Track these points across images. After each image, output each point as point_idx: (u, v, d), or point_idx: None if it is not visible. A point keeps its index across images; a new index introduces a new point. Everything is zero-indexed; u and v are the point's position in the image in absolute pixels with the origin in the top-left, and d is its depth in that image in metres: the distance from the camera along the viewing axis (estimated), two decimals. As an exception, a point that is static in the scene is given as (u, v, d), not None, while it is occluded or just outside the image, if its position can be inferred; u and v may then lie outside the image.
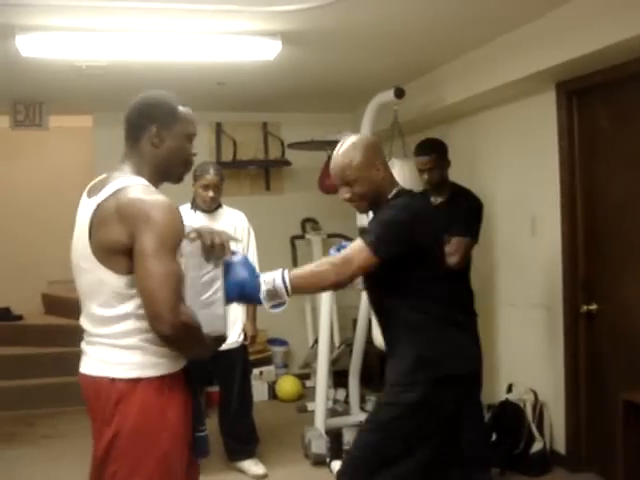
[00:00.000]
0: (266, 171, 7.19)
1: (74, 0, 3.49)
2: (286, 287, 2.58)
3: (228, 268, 2.44)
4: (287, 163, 7.00)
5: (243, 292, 2.51)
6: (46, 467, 4.89)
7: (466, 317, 3.62)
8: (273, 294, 2.57)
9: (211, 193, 4.55)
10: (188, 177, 4.64)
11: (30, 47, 4.09)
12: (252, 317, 4.77)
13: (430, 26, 4.14)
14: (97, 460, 2.27)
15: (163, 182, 2.41)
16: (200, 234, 2.31)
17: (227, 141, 6.98)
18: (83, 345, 2.32)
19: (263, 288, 2.55)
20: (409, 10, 3.84)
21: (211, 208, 4.64)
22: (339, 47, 4.58)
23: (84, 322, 2.31)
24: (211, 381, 5.33)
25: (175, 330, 2.07)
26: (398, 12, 3.87)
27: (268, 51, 4.37)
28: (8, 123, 6.19)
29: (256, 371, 6.39)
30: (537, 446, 4.50)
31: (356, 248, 2.70)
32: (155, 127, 2.32)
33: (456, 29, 4.23)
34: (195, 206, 4.66)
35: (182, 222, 2.21)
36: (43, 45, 4.08)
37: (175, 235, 2.15)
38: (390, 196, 2.90)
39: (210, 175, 4.54)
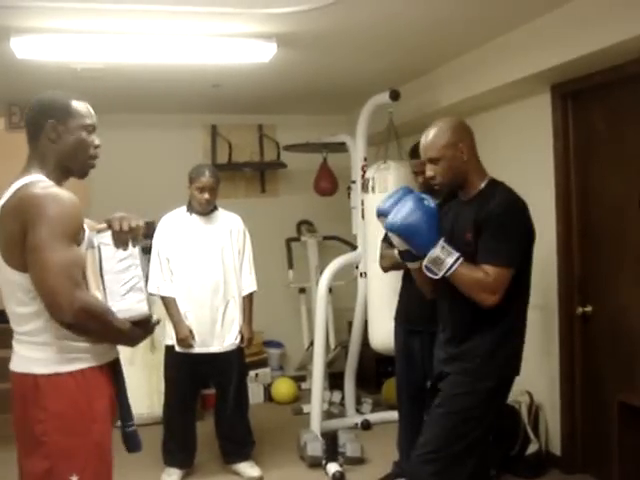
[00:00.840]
0: (261, 173, 7.19)
1: (69, 2, 3.48)
2: (450, 267, 2.81)
3: (426, 210, 2.83)
4: (282, 165, 7.00)
5: (419, 232, 2.83)
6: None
7: None
8: (438, 261, 2.83)
9: (206, 195, 4.55)
10: (181, 179, 4.68)
11: (25, 49, 4.08)
12: (249, 319, 4.76)
13: (425, 29, 4.15)
14: (28, 459, 2.29)
15: (68, 177, 2.43)
16: (109, 222, 2.33)
17: (222, 143, 6.97)
18: (13, 342, 2.36)
19: (439, 247, 2.82)
20: (404, 13, 3.84)
21: (206, 210, 4.64)
22: (334, 49, 4.58)
23: (10, 320, 2.35)
24: (207, 383, 5.32)
25: (74, 317, 2.10)
26: (393, 14, 3.87)
27: (263, 53, 4.37)
28: (3, 125, 6.18)
29: (252, 373, 6.38)
30: (532, 448, 4.50)
31: (498, 272, 2.84)
32: (50, 123, 2.34)
33: (451, 31, 4.24)
34: (190, 209, 4.66)
35: (77, 213, 2.24)
36: (38, 47, 4.08)
37: (67, 225, 2.17)
38: (482, 186, 3.04)
39: (205, 177, 4.54)
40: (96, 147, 2.45)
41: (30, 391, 2.23)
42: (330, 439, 4.87)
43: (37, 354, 2.24)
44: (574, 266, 4.47)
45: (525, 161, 4.79)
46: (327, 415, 5.72)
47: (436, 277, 2.85)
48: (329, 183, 6.54)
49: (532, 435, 4.53)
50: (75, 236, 2.21)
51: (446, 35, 4.32)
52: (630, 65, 3.74)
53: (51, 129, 2.34)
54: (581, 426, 4.47)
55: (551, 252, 4.53)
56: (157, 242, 4.65)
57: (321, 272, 5.61)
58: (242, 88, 5.68)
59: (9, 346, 2.27)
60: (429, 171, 3.05)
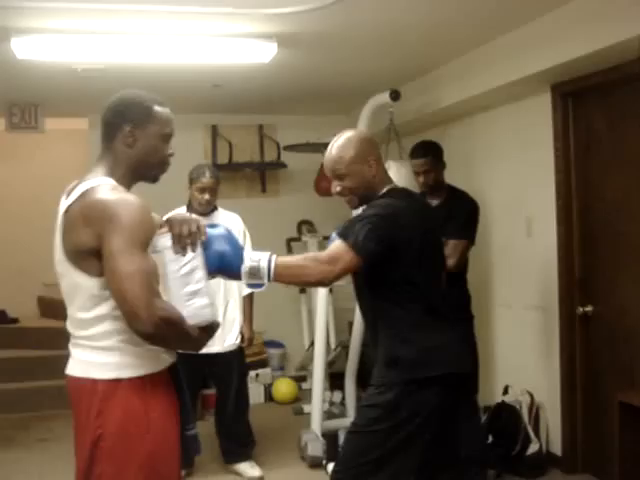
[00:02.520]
0: (262, 173, 7.19)
1: (69, 3, 3.49)
2: (269, 272, 2.56)
3: (209, 240, 2.41)
4: (283, 165, 7.00)
5: (223, 264, 2.47)
6: (42, 470, 4.89)
7: (460, 319, 3.60)
8: (254, 273, 2.55)
9: (207, 196, 4.55)
10: (181, 179, 4.67)
11: (25, 49, 4.09)
12: (249, 319, 4.76)
13: (426, 28, 4.15)
14: (82, 462, 2.25)
15: (137, 182, 2.39)
16: (170, 225, 2.30)
17: (223, 143, 6.97)
18: (69, 347, 2.32)
19: (247, 264, 2.53)
20: (404, 13, 3.84)
21: (207, 211, 4.64)
22: (334, 49, 4.58)
23: (68, 325, 2.31)
24: (207, 383, 5.32)
25: (154, 327, 2.05)
26: (393, 15, 3.87)
27: (264, 53, 4.37)
28: (4, 126, 6.18)
29: (252, 373, 6.38)
30: (533, 448, 4.50)
31: (341, 249, 2.67)
32: (128, 127, 2.28)
33: (451, 31, 4.24)
34: (191, 209, 4.65)
35: (150, 219, 2.20)
36: (39, 47, 4.08)
37: (142, 232, 2.13)
38: (380, 194, 2.90)
39: (206, 178, 4.54)
40: (170, 156, 2.40)
41: (88, 396, 2.19)
42: (331, 439, 4.87)
43: (98, 358, 2.20)
44: (574, 266, 4.46)
45: (525, 161, 4.79)
46: (328, 415, 5.71)
47: (264, 286, 2.64)
48: (329, 183, 6.49)
49: (533, 435, 4.53)
50: (148, 243, 2.17)
51: (446, 35, 4.32)
52: (630, 65, 3.73)
53: (129, 133, 2.28)
54: (582, 426, 4.46)
55: (551, 252, 4.53)
56: (157, 242, 4.64)
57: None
58: (243, 88, 5.68)
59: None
60: (336, 187, 2.96)
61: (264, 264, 2.55)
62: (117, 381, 2.18)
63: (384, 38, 4.32)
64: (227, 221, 4.71)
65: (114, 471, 2.19)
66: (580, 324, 4.43)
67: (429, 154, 4.30)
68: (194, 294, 2.25)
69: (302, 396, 6.55)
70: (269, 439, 5.36)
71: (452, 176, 4.51)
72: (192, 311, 2.23)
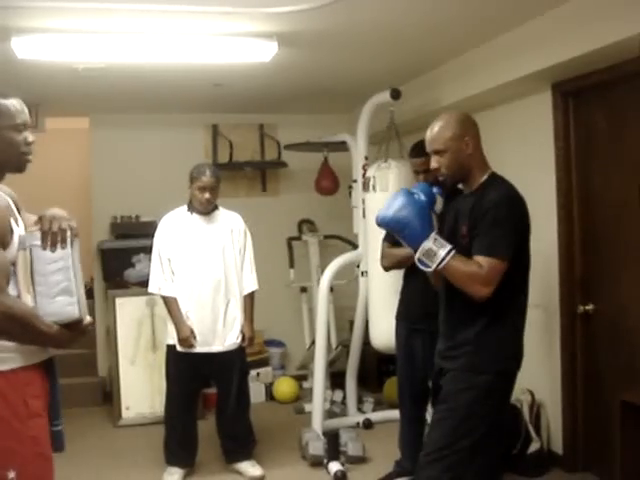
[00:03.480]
0: (262, 172, 7.19)
1: (70, 2, 3.49)
2: (442, 261, 2.82)
3: (418, 202, 2.88)
4: (283, 164, 7.00)
5: (411, 225, 2.86)
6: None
7: None
8: (430, 253, 2.83)
9: (207, 195, 4.55)
10: (182, 178, 4.68)
11: (26, 49, 4.09)
12: (250, 318, 4.76)
13: (426, 27, 4.15)
14: None
15: (4, 174, 2.42)
16: (41, 221, 2.30)
17: (223, 142, 6.97)
18: None
19: (431, 239, 2.84)
20: (405, 12, 3.84)
21: (207, 210, 4.64)
22: (335, 48, 4.58)
23: None
24: (208, 383, 5.33)
25: None
26: (394, 14, 3.87)
27: (264, 52, 4.37)
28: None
29: (253, 372, 6.38)
30: (534, 446, 4.50)
31: (496, 265, 2.84)
32: None
33: (452, 30, 4.23)
34: (191, 208, 4.65)
35: (2, 215, 2.22)
36: (39, 47, 4.08)
37: None
38: (483, 179, 3.05)
39: (206, 177, 4.54)
40: (28, 144, 2.42)
41: None
42: (332, 438, 4.87)
43: None
44: (575, 265, 4.46)
45: (526, 160, 4.78)
46: (329, 414, 5.72)
47: (429, 270, 2.86)
48: (330, 182, 6.54)
49: (534, 434, 4.53)
50: (0, 239, 2.18)
51: (447, 34, 4.32)
52: (631, 63, 3.73)
53: None
54: (583, 425, 4.46)
55: (552, 250, 4.53)
56: (158, 242, 4.65)
57: (322, 271, 5.61)
58: (243, 87, 5.68)
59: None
60: (434, 162, 3.07)
61: (443, 252, 2.82)
62: None
63: (384, 37, 4.32)
64: (228, 220, 4.72)
65: (3, 461, 2.19)
66: (581, 323, 4.43)
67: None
68: (60, 292, 2.26)
69: (303, 395, 6.54)
70: (270, 438, 5.36)
71: (453, 175, 4.51)
72: (55, 308, 2.24)
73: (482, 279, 2.83)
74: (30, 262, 2.27)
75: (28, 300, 2.26)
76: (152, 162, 6.68)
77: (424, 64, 5.14)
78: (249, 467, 4.76)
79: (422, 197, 2.97)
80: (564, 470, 4.52)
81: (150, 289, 4.67)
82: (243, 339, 4.71)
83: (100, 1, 3.50)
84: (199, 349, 4.58)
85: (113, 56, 4.38)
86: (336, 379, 6.21)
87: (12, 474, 2.19)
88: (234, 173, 6.92)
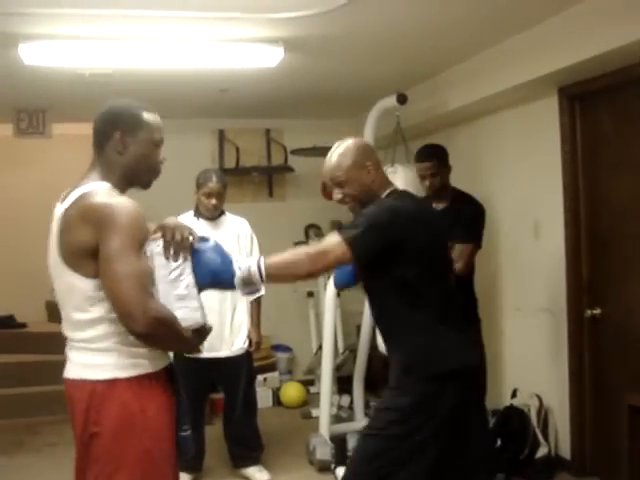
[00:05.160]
0: (269, 177, 7.19)
1: (77, 9, 3.50)
2: (261, 275, 2.59)
3: (198, 255, 2.45)
4: (290, 169, 7.01)
5: (216, 278, 2.53)
6: (52, 475, 4.88)
7: (468, 323, 3.59)
8: (248, 281, 2.59)
9: (214, 201, 4.55)
10: (188, 184, 4.68)
11: (33, 55, 4.10)
12: (257, 323, 4.77)
13: (432, 32, 4.15)
14: (80, 462, 2.29)
15: (129, 188, 2.44)
16: (163, 231, 2.33)
17: (230, 148, 6.98)
18: (66, 350, 2.36)
19: (238, 274, 2.56)
20: (411, 16, 3.85)
21: (214, 216, 4.64)
22: (341, 54, 4.58)
23: (64, 328, 2.36)
24: (215, 388, 5.33)
25: (148, 327, 2.10)
26: (399, 18, 3.88)
27: (270, 58, 4.38)
28: (11, 131, 6.20)
29: (260, 377, 6.39)
30: (542, 451, 4.49)
31: (333, 241, 2.72)
32: (118, 134, 2.33)
33: (458, 34, 4.24)
34: (198, 214, 4.66)
35: (144, 222, 2.25)
36: (46, 53, 4.10)
37: (137, 234, 2.19)
38: (382, 196, 2.94)
39: (213, 183, 4.54)
40: (161, 162, 2.47)
41: (87, 398, 2.23)
42: (339, 443, 4.87)
43: (96, 360, 2.24)
44: (582, 268, 4.45)
45: (533, 164, 4.78)
46: (336, 419, 5.71)
47: (260, 291, 2.73)
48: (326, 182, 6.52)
49: (541, 438, 4.52)
50: (142, 245, 2.23)
51: (453, 38, 4.32)
52: (637, 67, 3.73)
53: (118, 140, 2.33)
54: (590, 429, 4.45)
55: (559, 255, 4.52)
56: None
57: (329, 276, 5.60)
58: (249, 93, 5.69)
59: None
60: (337, 194, 2.99)
61: (254, 269, 2.59)
62: (114, 381, 2.22)
63: (390, 42, 4.33)
64: (235, 225, 4.73)
65: (111, 469, 2.22)
66: (588, 327, 4.42)
67: (434, 157, 4.30)
68: (183, 298, 2.31)
69: (310, 400, 6.54)
70: (277, 443, 5.36)
71: (459, 179, 4.51)
72: (183, 314, 2.28)
73: (310, 253, 2.75)
74: (153, 269, 2.29)
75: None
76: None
77: (430, 68, 5.14)
78: (256, 472, 4.76)
79: (202, 245, 2.55)
80: (572, 475, 4.50)
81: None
82: (250, 344, 4.71)
83: (106, 8, 3.51)
84: (206, 354, 4.55)
85: (120, 62, 4.39)
86: (343, 384, 6.20)
87: None
88: (240, 178, 6.93)
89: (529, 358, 4.90)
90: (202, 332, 2.39)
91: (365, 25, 3.98)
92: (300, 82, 5.37)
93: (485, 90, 4.70)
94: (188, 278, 2.35)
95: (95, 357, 2.24)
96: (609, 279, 4.29)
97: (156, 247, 2.32)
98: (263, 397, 6.32)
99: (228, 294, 4.58)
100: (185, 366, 4.60)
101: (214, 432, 5.13)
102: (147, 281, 2.19)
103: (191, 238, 2.38)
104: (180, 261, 2.33)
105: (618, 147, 4.15)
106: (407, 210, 2.84)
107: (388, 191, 2.97)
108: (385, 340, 3.03)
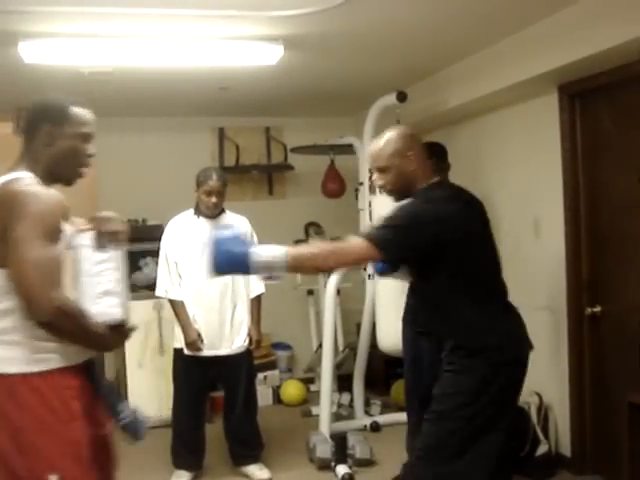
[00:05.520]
0: (269, 176, 7.19)
1: (77, 7, 3.50)
2: (283, 265, 2.70)
3: (219, 242, 2.56)
4: (290, 167, 7.00)
5: (232, 263, 2.64)
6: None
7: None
8: (268, 266, 2.70)
9: (214, 199, 4.55)
10: (188, 182, 4.68)
11: (33, 54, 4.10)
12: (257, 321, 4.77)
13: (432, 29, 4.14)
14: (5, 458, 2.22)
15: (56, 183, 2.41)
16: (96, 222, 2.35)
17: (230, 146, 6.98)
18: None
19: (260, 259, 2.66)
20: (411, 14, 3.84)
21: (214, 214, 4.64)
22: (341, 51, 4.58)
23: None
24: (215, 386, 5.33)
25: (50, 315, 2.09)
26: (400, 16, 3.87)
27: (270, 56, 4.37)
28: (11, 129, 6.19)
29: (260, 375, 6.39)
30: (542, 449, 4.49)
31: (360, 243, 2.79)
32: (47, 127, 2.34)
33: (458, 32, 4.23)
34: (198, 212, 4.66)
35: (57, 211, 2.23)
36: (46, 51, 4.09)
37: (49, 224, 2.17)
38: (420, 188, 3.03)
39: (213, 181, 4.54)
40: (89, 156, 2.45)
41: (3, 391, 2.21)
42: (339, 441, 4.87)
43: (8, 353, 2.21)
44: (582, 266, 4.45)
45: (533, 161, 4.78)
46: (336, 417, 5.71)
47: (277, 280, 2.88)
48: (337, 185, 6.54)
49: (541, 436, 4.52)
50: (55, 234, 2.20)
51: (453, 36, 4.32)
52: (637, 65, 3.72)
53: (46, 133, 2.34)
54: (591, 427, 4.45)
55: (559, 252, 4.52)
56: (165, 245, 4.66)
57: (329, 274, 5.61)
58: (249, 90, 5.69)
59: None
60: (379, 180, 3.09)
61: (280, 254, 2.70)
62: (30, 375, 2.20)
63: (390, 40, 4.32)
64: (234, 224, 4.72)
65: (42, 463, 2.20)
66: (589, 325, 4.42)
67: (433, 155, 4.29)
68: (105, 293, 2.29)
69: (310, 398, 6.54)
70: (277, 441, 5.36)
71: (459, 177, 4.50)
72: (101, 309, 2.27)
73: (336, 249, 2.86)
74: (76, 262, 2.28)
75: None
76: (158, 166, 6.69)
77: (430, 66, 5.14)
78: (256, 470, 4.76)
79: (224, 233, 2.73)
80: (572, 472, 4.50)
81: (157, 292, 4.68)
82: (250, 342, 4.72)
83: (106, 6, 3.51)
84: (206, 352, 4.59)
85: (119, 60, 4.39)
86: (343, 382, 6.20)
87: (54, 478, 2.19)
88: (240, 176, 6.93)
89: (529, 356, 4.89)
90: (122, 329, 2.38)
91: (365, 23, 3.98)
92: (300, 80, 5.37)
93: (485, 88, 4.70)
94: (113, 273, 2.33)
95: (7, 350, 2.21)
96: (609, 277, 4.29)
97: (83, 239, 2.31)
98: (263, 395, 6.32)
99: (229, 292, 4.59)
100: (185, 364, 4.64)
101: (214, 430, 5.13)
102: (54, 269, 2.17)
103: (121, 235, 2.38)
104: (106, 255, 2.32)
105: (618, 145, 4.15)
106: (446, 203, 2.92)
107: (426, 184, 3.04)
108: (439, 326, 3.08)
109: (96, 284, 2.28)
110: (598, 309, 4.33)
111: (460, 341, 2.97)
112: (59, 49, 4.10)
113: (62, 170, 2.40)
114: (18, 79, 4.85)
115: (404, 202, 2.99)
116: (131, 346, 5.90)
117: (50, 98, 2.45)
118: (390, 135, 3.08)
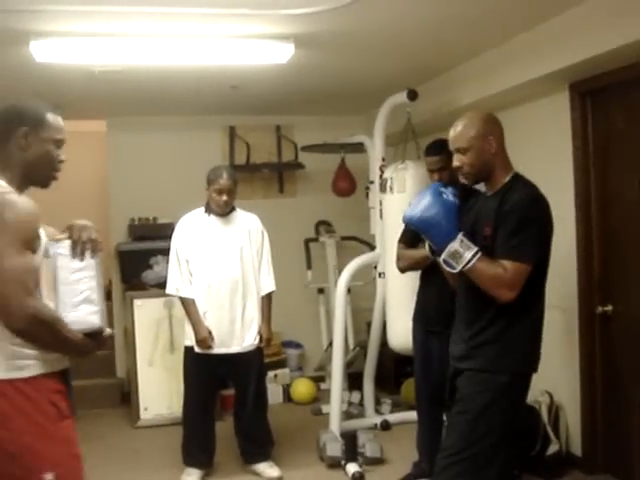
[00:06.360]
0: (279, 174, 7.20)
1: (87, 6, 3.51)
2: (467, 263, 2.85)
3: (446, 203, 2.92)
4: (300, 166, 7.01)
5: (435, 230, 2.92)
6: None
7: None
8: (456, 255, 2.87)
9: (224, 197, 4.56)
10: (199, 181, 4.69)
11: (44, 52, 4.12)
12: (267, 319, 4.77)
13: (443, 28, 4.14)
14: None
15: (28, 186, 2.43)
16: (71, 230, 2.35)
17: (240, 144, 6.99)
18: None
19: (454, 245, 2.87)
20: (421, 12, 3.84)
21: (225, 212, 4.65)
22: (351, 50, 4.58)
23: None
24: (226, 384, 5.34)
25: (24, 323, 2.11)
26: (410, 14, 3.87)
27: (281, 54, 4.38)
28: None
29: (271, 374, 6.40)
30: (553, 448, 4.48)
31: (521, 270, 2.86)
32: (23, 131, 2.35)
33: (469, 30, 4.22)
34: (209, 210, 4.67)
35: (31, 220, 2.24)
36: (57, 50, 4.11)
37: (21, 231, 2.18)
38: (507, 180, 3.04)
39: (223, 180, 4.55)
40: (60, 162, 2.48)
41: None
42: (349, 439, 4.86)
43: None
44: (594, 265, 4.44)
45: (544, 160, 4.76)
46: (346, 415, 5.72)
47: (454, 271, 2.89)
48: (347, 183, 6.54)
49: (552, 435, 4.51)
50: (30, 243, 2.22)
51: (463, 34, 4.31)
52: (649, 63, 3.72)
53: (22, 136, 2.35)
54: (602, 426, 4.43)
55: (571, 251, 4.50)
56: (176, 243, 4.67)
57: (339, 272, 5.61)
58: (260, 89, 5.69)
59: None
60: (456, 161, 3.08)
61: (469, 255, 2.85)
62: (14, 381, 2.21)
63: (401, 38, 4.32)
64: (245, 221, 4.73)
65: (37, 463, 2.22)
66: (600, 324, 4.40)
67: (444, 152, 4.26)
68: (83, 301, 2.30)
69: (320, 396, 6.54)
70: (288, 439, 5.37)
71: (470, 175, 4.50)
72: (79, 317, 2.28)
73: (507, 283, 2.85)
74: (54, 270, 2.30)
75: (51, 307, 2.28)
76: (169, 164, 6.71)
77: (441, 64, 5.13)
78: (267, 468, 4.76)
79: (450, 197, 2.99)
80: (583, 472, 4.49)
81: (168, 290, 4.69)
82: (261, 340, 4.72)
83: (117, 4, 3.52)
84: (217, 350, 4.59)
85: (130, 58, 4.40)
86: (354, 380, 6.21)
87: (50, 476, 2.21)
88: (251, 175, 6.94)
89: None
90: (99, 337, 2.39)
91: (375, 21, 3.97)
92: (310, 78, 5.37)
93: (496, 86, 4.69)
94: (90, 281, 2.33)
95: None
96: (620, 276, 4.28)
97: (60, 248, 2.32)
98: (274, 393, 6.33)
99: (239, 290, 4.59)
100: (196, 362, 4.65)
101: (225, 428, 5.14)
102: (29, 278, 2.18)
103: (97, 243, 2.38)
104: (83, 263, 2.33)
105: (629, 143, 4.13)
106: (547, 203, 3.02)
107: (511, 175, 3.07)
108: (478, 321, 3.04)
109: (73, 292, 2.30)
110: (609, 308, 4.32)
111: (498, 339, 2.96)
112: (70, 48, 4.11)
113: (37, 174, 2.43)
114: (30, 78, 4.87)
115: (523, 197, 2.96)
116: (142, 344, 5.93)
117: (24, 103, 2.46)
118: (472, 116, 3.11)
